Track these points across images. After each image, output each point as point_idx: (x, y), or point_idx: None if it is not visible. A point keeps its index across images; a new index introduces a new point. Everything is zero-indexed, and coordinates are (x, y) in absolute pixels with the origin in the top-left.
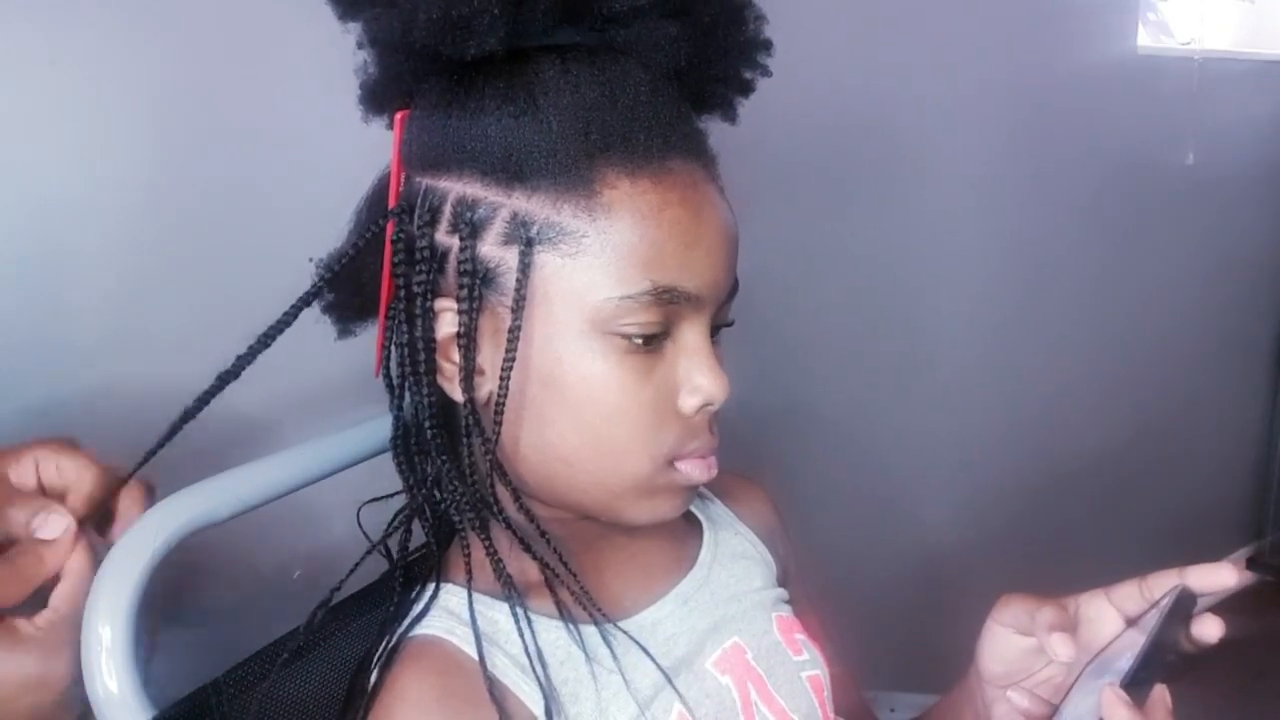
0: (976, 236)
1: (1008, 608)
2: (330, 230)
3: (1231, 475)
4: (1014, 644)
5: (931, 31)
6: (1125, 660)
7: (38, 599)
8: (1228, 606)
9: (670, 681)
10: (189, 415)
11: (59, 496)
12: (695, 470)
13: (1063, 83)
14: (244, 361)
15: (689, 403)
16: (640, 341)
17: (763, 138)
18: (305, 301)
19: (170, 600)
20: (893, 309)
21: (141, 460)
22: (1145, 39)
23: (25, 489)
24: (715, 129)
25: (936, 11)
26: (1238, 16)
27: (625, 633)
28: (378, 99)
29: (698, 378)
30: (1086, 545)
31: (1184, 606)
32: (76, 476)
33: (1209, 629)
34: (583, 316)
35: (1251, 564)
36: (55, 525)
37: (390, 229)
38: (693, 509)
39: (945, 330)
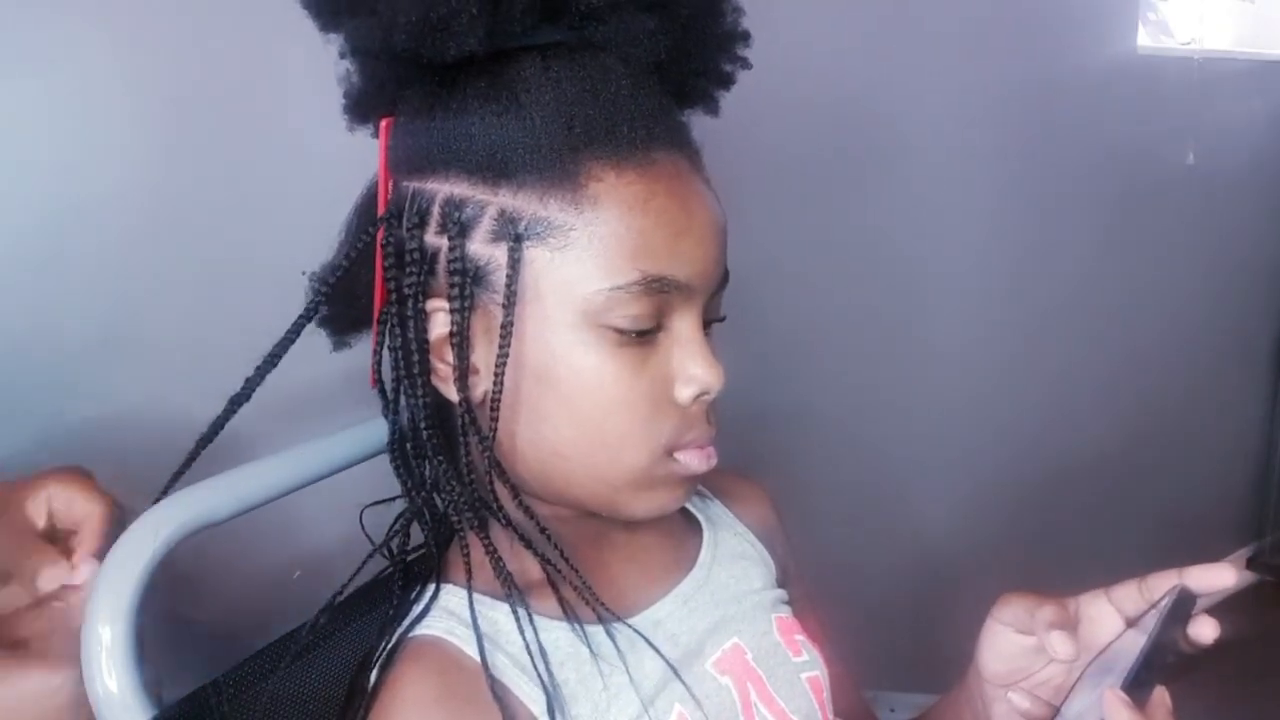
0: (976, 236)
1: (1008, 606)
2: (327, 232)
3: (1231, 475)
4: (1014, 642)
5: (932, 32)
6: (1126, 662)
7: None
8: (1227, 606)
9: (678, 675)
10: (205, 441)
11: (70, 532)
12: (694, 460)
13: (1063, 83)
14: (253, 383)
15: (685, 393)
16: (633, 335)
17: (764, 137)
18: (307, 318)
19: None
20: (891, 308)
21: (165, 488)
22: (1145, 39)
23: (37, 525)
24: (718, 129)
25: (936, 12)
26: (1238, 16)
27: (633, 628)
28: (362, 108)
29: (692, 367)
30: (1087, 545)
31: (1183, 607)
32: (86, 513)
33: (1204, 630)
34: (574, 309)
35: (1251, 564)
36: (84, 571)
37: (380, 235)
38: (692, 509)
39: (944, 330)
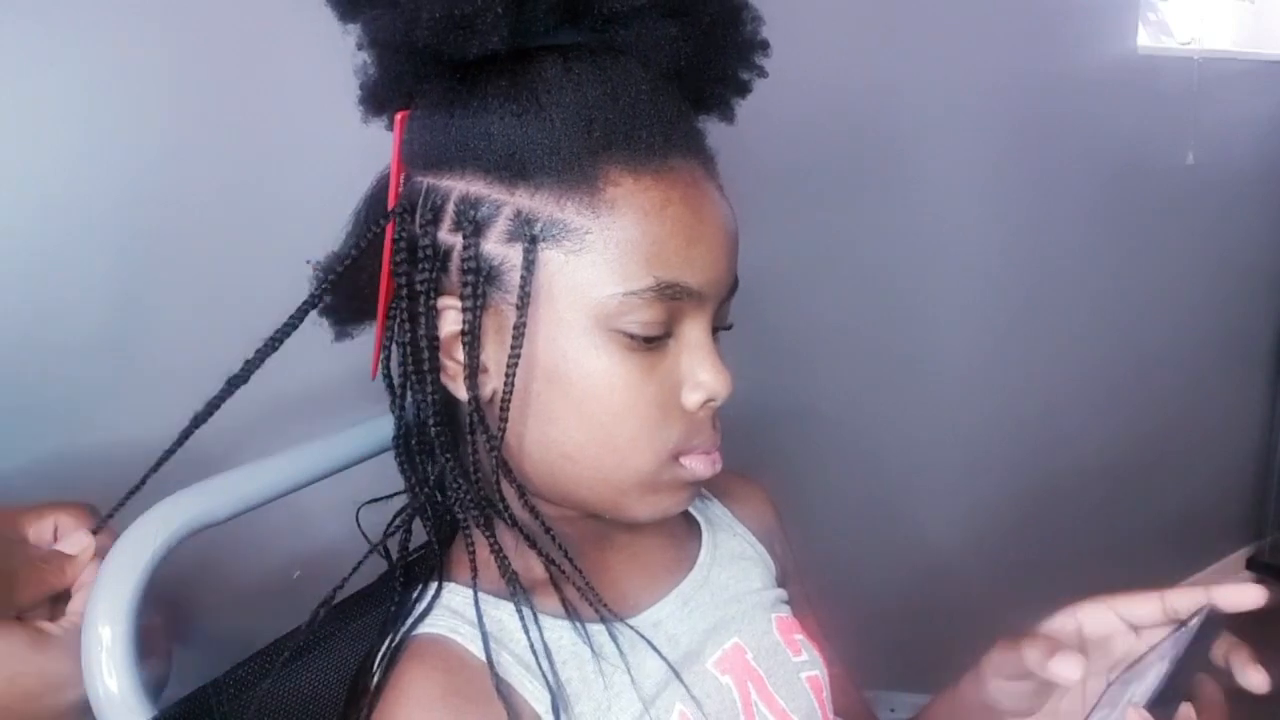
0: (977, 237)
1: (999, 662)
2: (331, 230)
3: (1231, 475)
4: (1019, 690)
5: (931, 32)
6: (1151, 679)
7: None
8: None
9: (678, 676)
10: (198, 422)
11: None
12: (699, 465)
13: (1063, 83)
14: (251, 366)
15: (692, 398)
16: (644, 340)
17: (766, 139)
18: (310, 305)
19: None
20: (892, 309)
21: (150, 470)
22: (1145, 39)
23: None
24: (721, 130)
25: (936, 12)
26: (1238, 16)
27: (634, 629)
28: (378, 100)
29: (701, 374)
30: (1087, 545)
31: (1211, 628)
32: (80, 548)
33: (1255, 679)
34: (587, 313)
35: (1251, 564)
36: (77, 542)
37: (390, 229)
38: (691, 510)
39: (944, 330)
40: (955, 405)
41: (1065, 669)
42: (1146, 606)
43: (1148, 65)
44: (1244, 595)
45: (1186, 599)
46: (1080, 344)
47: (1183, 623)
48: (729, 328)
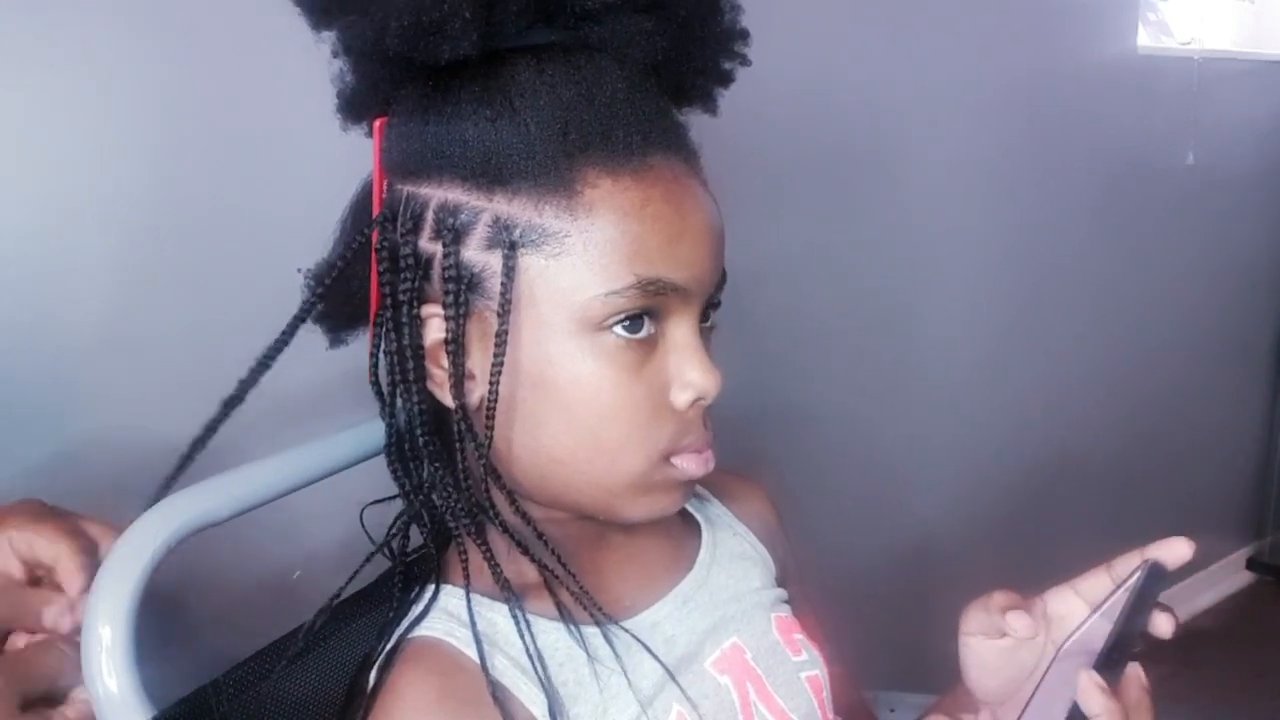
0: (975, 236)
1: (969, 616)
2: (326, 234)
3: (1231, 475)
4: (990, 649)
5: (931, 31)
6: (1096, 645)
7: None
8: (1228, 607)
9: (674, 679)
10: (199, 444)
11: (46, 570)
12: (691, 465)
13: (1063, 83)
14: (247, 385)
15: (681, 398)
16: (627, 327)
17: (764, 139)
18: (301, 318)
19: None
20: (891, 309)
21: (159, 490)
22: (1145, 39)
23: (14, 575)
24: (718, 132)
25: (936, 11)
26: (1238, 16)
27: (629, 632)
28: (355, 107)
29: (689, 373)
30: (1087, 545)
31: (1154, 583)
32: (53, 556)
33: (1162, 625)
34: (570, 316)
35: (1251, 564)
36: (66, 620)
37: (375, 237)
38: (690, 509)
39: (943, 330)
40: (953, 406)
41: (1018, 621)
42: (1096, 579)
43: (1148, 65)
44: (1175, 550)
45: (1126, 563)
46: (1079, 344)
47: (1121, 583)
48: (717, 305)
